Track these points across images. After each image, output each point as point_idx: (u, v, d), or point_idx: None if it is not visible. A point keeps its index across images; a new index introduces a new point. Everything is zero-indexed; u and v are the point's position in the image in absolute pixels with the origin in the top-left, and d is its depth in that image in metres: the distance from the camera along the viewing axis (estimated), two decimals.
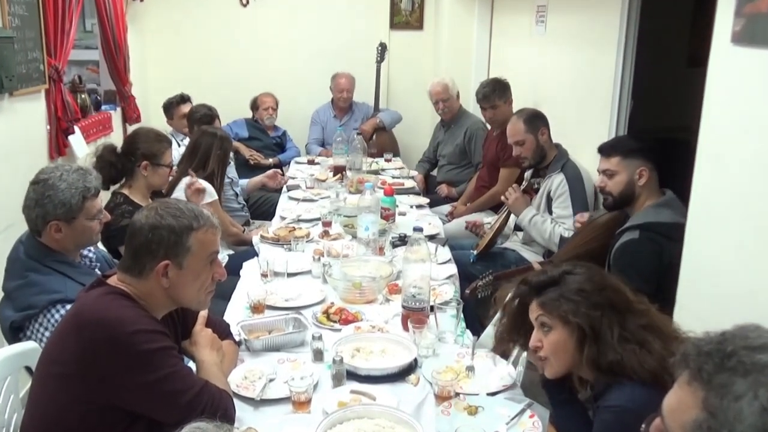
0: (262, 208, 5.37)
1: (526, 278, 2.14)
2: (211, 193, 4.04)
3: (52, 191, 2.52)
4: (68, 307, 2.38)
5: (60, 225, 2.53)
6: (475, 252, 3.99)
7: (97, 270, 2.75)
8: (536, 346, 2.05)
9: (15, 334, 2.48)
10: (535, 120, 4.03)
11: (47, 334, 2.41)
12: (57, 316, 2.42)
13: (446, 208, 5.26)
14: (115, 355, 1.82)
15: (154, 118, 6.25)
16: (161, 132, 3.75)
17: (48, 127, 4.10)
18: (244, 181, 5.24)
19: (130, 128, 5.85)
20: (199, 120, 4.95)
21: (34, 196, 2.54)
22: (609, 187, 3.19)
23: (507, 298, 2.23)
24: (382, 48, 6.63)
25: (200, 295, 2.07)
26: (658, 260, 2.86)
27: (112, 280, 2.01)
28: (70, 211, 2.54)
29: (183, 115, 5.34)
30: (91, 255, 2.81)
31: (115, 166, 3.52)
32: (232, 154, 5.74)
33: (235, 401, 2.09)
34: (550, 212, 3.89)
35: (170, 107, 5.51)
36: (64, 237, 2.55)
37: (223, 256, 4.06)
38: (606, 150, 3.23)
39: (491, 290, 3.33)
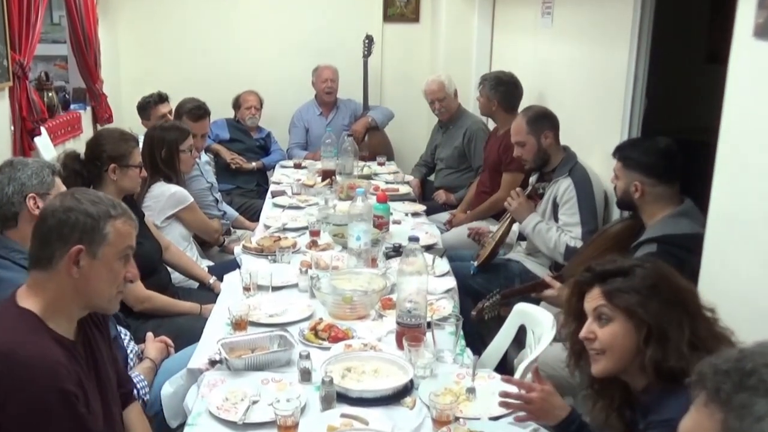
0: (244, 215, 5.36)
1: (590, 265, 2.10)
2: (186, 197, 4.04)
3: (21, 166, 2.64)
4: None
5: (37, 199, 2.60)
6: (475, 263, 3.99)
7: None
8: (587, 337, 2.02)
9: None
10: (540, 121, 4.04)
11: None
12: None
13: (444, 216, 5.27)
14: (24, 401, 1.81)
15: (127, 118, 6.23)
16: (125, 131, 3.74)
17: (12, 128, 4.10)
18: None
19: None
20: (188, 113, 4.94)
21: (2, 178, 2.61)
22: (616, 187, 3.30)
23: (569, 295, 2.16)
24: (369, 41, 6.64)
25: (111, 291, 2.06)
26: None
27: (22, 291, 2.01)
28: (43, 184, 2.64)
29: (161, 115, 5.31)
30: None
31: (81, 174, 3.49)
32: (212, 157, 5.76)
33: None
34: (556, 219, 3.90)
35: (147, 107, 5.50)
36: None
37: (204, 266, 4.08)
38: (614, 151, 3.33)
39: (499, 310, 3.34)
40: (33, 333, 1.91)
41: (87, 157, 3.53)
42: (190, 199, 4.08)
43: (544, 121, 4.05)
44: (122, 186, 3.53)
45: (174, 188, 4.04)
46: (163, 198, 3.94)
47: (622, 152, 3.27)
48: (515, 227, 4.14)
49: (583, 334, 2.03)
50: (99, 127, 5.85)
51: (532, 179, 4.25)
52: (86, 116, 5.75)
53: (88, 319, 2.14)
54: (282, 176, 5.72)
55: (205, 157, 5.28)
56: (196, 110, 4.98)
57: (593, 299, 2.03)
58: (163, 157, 4.12)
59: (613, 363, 2.00)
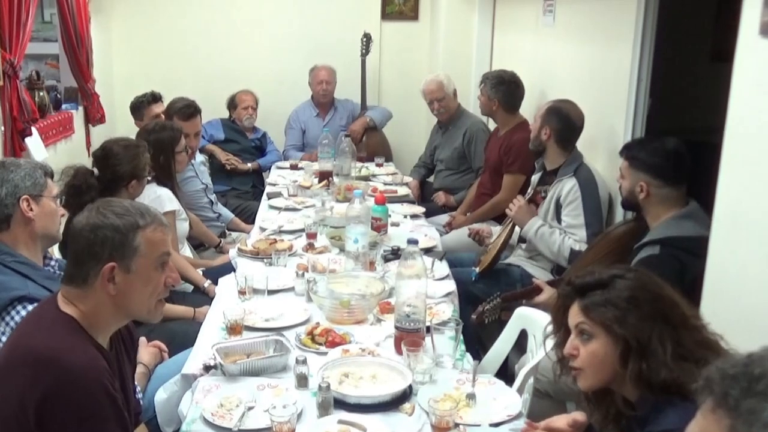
0: (240, 217, 5.36)
1: (570, 278, 2.09)
2: (170, 200, 4.00)
3: (14, 168, 2.63)
4: (30, 308, 2.39)
5: (30, 201, 2.60)
6: (476, 270, 3.97)
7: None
8: (571, 354, 2.00)
9: None
10: (549, 115, 4.06)
11: (4, 339, 2.40)
12: (17, 317, 2.41)
13: (444, 218, 5.27)
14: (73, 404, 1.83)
15: (119, 119, 6.24)
16: (135, 141, 3.75)
17: (2, 128, 4.09)
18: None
19: (93, 129, 5.85)
20: (178, 112, 4.93)
21: None
22: (621, 187, 3.30)
23: (555, 307, 2.15)
24: (367, 39, 6.64)
25: (151, 302, 2.08)
26: (679, 278, 2.85)
27: (60, 298, 2.02)
28: (36, 186, 2.63)
29: (155, 115, 5.30)
30: (53, 262, 2.82)
31: (96, 188, 3.47)
32: (206, 158, 5.75)
33: None
34: (559, 221, 3.89)
35: (140, 107, 5.50)
36: (35, 216, 2.61)
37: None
38: (621, 149, 3.32)
39: (499, 313, 3.34)
40: (77, 339, 1.94)
41: (108, 178, 3.52)
42: (171, 207, 3.98)
43: (552, 117, 4.04)
44: (135, 194, 3.56)
45: (161, 191, 3.98)
46: (147, 200, 3.91)
47: (629, 151, 3.26)
48: (518, 229, 4.12)
49: (566, 350, 2.02)
50: (91, 128, 5.85)
51: (534, 179, 4.24)
52: (78, 116, 5.73)
53: (118, 335, 2.16)
54: (278, 177, 5.71)
55: (200, 157, 5.26)
56: (186, 109, 4.95)
57: (574, 315, 2.02)
58: (161, 163, 4.10)
59: (594, 380, 2.00)
